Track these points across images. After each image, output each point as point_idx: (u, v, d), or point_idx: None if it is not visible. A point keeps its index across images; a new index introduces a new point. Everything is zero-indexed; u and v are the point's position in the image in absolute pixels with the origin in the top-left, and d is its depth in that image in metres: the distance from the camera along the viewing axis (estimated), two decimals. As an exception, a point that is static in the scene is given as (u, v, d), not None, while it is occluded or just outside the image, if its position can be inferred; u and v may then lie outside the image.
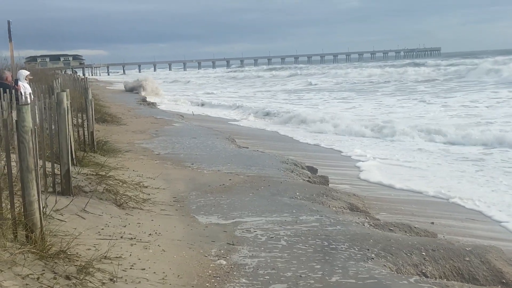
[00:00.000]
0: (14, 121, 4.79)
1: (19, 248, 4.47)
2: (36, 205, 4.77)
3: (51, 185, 6.76)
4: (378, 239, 5.95)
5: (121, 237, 5.62)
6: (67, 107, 6.92)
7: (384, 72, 57.50)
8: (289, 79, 66.22)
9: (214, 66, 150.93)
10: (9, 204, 4.83)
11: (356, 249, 5.63)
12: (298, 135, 18.48)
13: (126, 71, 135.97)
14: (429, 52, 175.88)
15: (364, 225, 6.65)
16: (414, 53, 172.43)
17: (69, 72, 63.27)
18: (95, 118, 16.80)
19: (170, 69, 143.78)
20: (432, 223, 7.93)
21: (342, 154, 14.42)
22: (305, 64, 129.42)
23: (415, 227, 6.94)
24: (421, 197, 9.67)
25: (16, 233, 4.77)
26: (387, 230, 6.61)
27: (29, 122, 4.65)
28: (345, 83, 50.84)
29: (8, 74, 12.30)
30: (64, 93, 6.73)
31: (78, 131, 10.58)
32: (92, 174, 7.84)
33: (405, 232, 6.70)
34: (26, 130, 4.64)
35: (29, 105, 4.75)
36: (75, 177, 7.33)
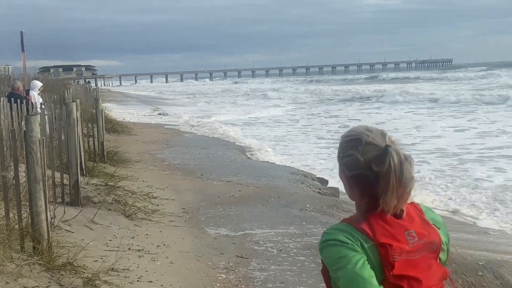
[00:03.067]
0: (22, 131, 4.78)
1: (26, 260, 4.44)
2: (43, 216, 4.74)
3: (60, 195, 6.74)
4: (389, 253, 5.84)
5: (129, 249, 5.57)
6: (77, 117, 6.91)
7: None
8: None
9: (225, 77, 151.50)
10: (17, 214, 4.81)
11: (367, 263, 5.53)
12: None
13: (138, 81, 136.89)
14: (440, 64, 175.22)
15: (375, 238, 6.55)
16: (426, 64, 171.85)
17: (81, 82, 63.74)
18: (106, 128, 16.87)
19: (181, 80, 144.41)
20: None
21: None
22: (316, 75, 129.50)
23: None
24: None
25: (23, 244, 4.75)
26: (398, 244, 6.49)
27: (37, 133, 4.64)
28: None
29: (19, 84, 12.38)
30: (74, 104, 6.73)
31: (88, 141, 10.60)
32: (101, 185, 7.82)
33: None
34: (34, 140, 4.63)
35: (38, 115, 4.73)
36: (84, 188, 7.31)
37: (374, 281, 1.60)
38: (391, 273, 1.63)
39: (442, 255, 1.80)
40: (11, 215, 4.85)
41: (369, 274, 1.60)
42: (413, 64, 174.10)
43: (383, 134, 1.72)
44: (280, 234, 6.54)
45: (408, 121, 24.12)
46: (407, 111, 29.53)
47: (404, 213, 1.71)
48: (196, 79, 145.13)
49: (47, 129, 7.60)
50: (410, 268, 1.65)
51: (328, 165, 13.47)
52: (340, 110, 31.66)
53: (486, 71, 71.81)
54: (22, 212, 4.94)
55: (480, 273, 5.44)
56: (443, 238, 1.79)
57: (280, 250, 5.93)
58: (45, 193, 4.75)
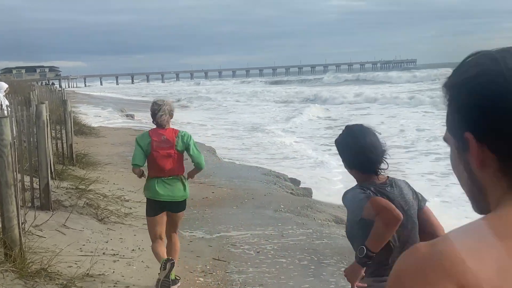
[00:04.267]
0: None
1: (-2, 267, 4.29)
2: (15, 221, 4.59)
3: (30, 199, 6.56)
4: (365, 252, 5.88)
5: (104, 253, 5.46)
6: (47, 119, 6.73)
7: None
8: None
9: (192, 78, 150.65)
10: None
11: (345, 263, 5.54)
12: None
13: (103, 82, 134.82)
14: (405, 64, 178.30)
15: (350, 238, 6.59)
16: (391, 64, 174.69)
17: (46, 82, 62.42)
18: (73, 131, 16.55)
19: (148, 81, 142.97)
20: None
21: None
22: (283, 76, 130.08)
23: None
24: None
25: (-6, 250, 4.59)
26: (373, 243, 6.55)
27: (8, 135, 4.50)
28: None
29: None
30: (43, 105, 6.56)
31: (57, 144, 10.35)
32: (72, 188, 7.65)
33: (392, 244, 6.65)
34: (5, 143, 4.48)
35: (8, 117, 4.58)
36: (54, 191, 7.13)
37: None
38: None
39: (180, 147, 4.76)
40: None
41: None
42: (378, 65, 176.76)
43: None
44: (257, 236, 6.51)
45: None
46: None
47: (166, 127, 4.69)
48: (162, 80, 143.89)
49: (14, 132, 7.39)
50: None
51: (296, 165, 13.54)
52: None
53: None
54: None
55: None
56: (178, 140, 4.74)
57: (258, 252, 5.90)
58: (16, 198, 4.60)
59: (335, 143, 2.76)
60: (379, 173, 2.62)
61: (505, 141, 0.77)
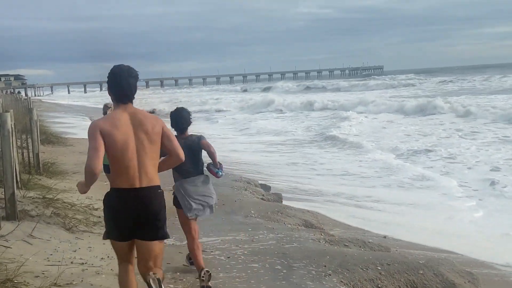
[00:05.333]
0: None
1: (-39, 279, 4.20)
2: (-21, 232, 4.51)
3: (-5, 210, 6.43)
4: (334, 255, 5.96)
5: (72, 262, 5.39)
6: (11, 128, 6.63)
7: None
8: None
9: (162, 85, 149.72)
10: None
11: (314, 266, 5.61)
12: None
13: (70, 91, 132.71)
14: (372, 70, 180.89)
15: (320, 241, 6.65)
16: (359, 71, 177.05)
17: (11, 91, 61.16)
18: (40, 139, 16.27)
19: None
20: (385, 237, 8.03)
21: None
22: (253, 82, 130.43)
23: (369, 242, 7.01)
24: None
25: (-42, 262, 4.50)
26: (342, 246, 6.63)
27: (-28, 144, 4.42)
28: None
29: None
30: (8, 114, 6.45)
31: (23, 153, 10.18)
32: (39, 198, 7.53)
33: (360, 247, 6.74)
34: (-32, 152, 4.40)
35: (-28, 126, 4.50)
36: (20, 201, 7.01)
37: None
38: None
39: None
40: None
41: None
42: (347, 71, 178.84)
43: None
44: (227, 241, 6.52)
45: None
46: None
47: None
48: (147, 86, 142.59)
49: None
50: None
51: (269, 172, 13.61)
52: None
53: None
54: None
55: (421, 272, 5.64)
56: None
57: (228, 257, 5.91)
58: (-19, 208, 4.52)
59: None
60: (184, 132, 5.28)
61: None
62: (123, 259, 3.92)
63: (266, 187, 11.16)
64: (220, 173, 5.35)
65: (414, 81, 70.68)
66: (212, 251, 6.15)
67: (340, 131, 23.14)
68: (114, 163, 3.68)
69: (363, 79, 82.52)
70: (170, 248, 6.33)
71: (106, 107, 7.92)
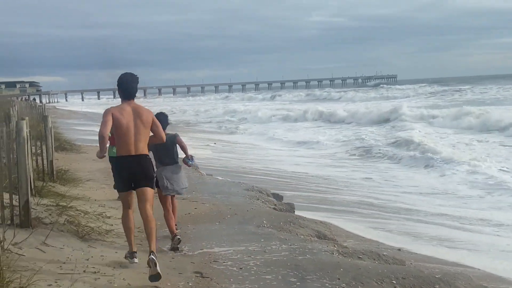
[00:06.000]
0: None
1: (-25, 287, 4.21)
2: (-7, 240, 4.51)
3: (9, 217, 6.45)
4: (348, 268, 5.89)
5: (84, 271, 5.38)
6: (27, 135, 6.66)
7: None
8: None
9: (174, 93, 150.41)
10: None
11: (327, 279, 5.55)
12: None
13: (84, 98, 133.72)
14: (386, 79, 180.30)
15: (333, 253, 6.58)
16: (372, 80, 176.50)
17: (26, 98, 61.75)
18: (54, 146, 16.38)
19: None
20: (399, 249, 7.94)
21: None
22: (265, 90, 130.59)
23: (384, 255, 6.92)
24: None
25: (-29, 270, 4.50)
26: (356, 258, 6.56)
27: (-13, 152, 4.44)
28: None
29: None
30: (24, 121, 6.49)
31: (37, 160, 10.23)
32: (52, 205, 7.55)
33: (374, 260, 6.66)
34: (-16, 160, 4.42)
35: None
36: (34, 209, 7.03)
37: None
38: None
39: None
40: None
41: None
42: (360, 80, 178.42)
43: None
44: (240, 252, 6.48)
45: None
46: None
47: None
48: (144, 95, 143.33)
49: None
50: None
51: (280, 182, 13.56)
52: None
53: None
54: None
55: (437, 286, 5.55)
56: None
57: (241, 268, 5.87)
58: (-5, 216, 4.53)
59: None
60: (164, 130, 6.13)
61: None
62: (125, 205, 5.78)
63: (278, 197, 11.11)
64: (190, 162, 7.10)
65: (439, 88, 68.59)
66: (224, 262, 6.11)
67: (414, 144, 21.10)
68: (119, 138, 5.53)
69: (380, 87, 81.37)
70: (182, 258, 6.31)
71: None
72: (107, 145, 5.67)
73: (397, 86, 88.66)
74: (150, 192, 5.68)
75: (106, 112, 5.52)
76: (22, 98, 65.66)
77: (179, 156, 7.07)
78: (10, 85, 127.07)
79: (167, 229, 6.96)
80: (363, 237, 8.65)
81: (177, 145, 6.99)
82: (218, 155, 19.89)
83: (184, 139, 7.23)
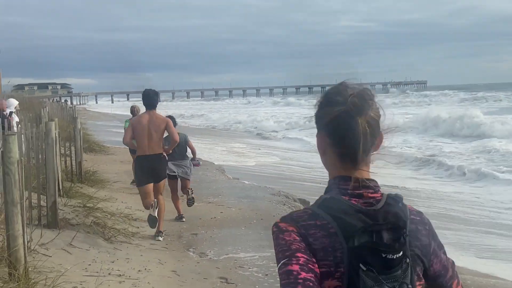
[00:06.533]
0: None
1: (1, 287, 4.21)
2: (20, 240, 4.53)
3: (37, 217, 6.49)
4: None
5: (109, 274, 5.36)
6: (56, 136, 6.70)
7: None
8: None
9: (202, 96, 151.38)
10: (-8, 239, 4.59)
11: (355, 288, 5.41)
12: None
13: (114, 100, 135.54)
14: (415, 85, 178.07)
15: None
16: (401, 86, 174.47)
17: (57, 99, 62.80)
18: (83, 148, 16.55)
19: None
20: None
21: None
22: (294, 95, 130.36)
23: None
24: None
25: (-2, 269, 4.52)
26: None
27: (15, 153, 4.45)
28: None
29: (3, 102, 12.23)
30: (53, 123, 6.54)
31: (66, 161, 10.33)
32: (80, 206, 7.58)
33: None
34: (12, 161, 4.44)
35: (16, 135, 4.54)
36: (61, 209, 7.07)
37: None
38: None
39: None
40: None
41: None
42: (389, 86, 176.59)
43: None
44: (265, 258, 6.38)
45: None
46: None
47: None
48: (173, 97, 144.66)
49: (23, 149, 7.36)
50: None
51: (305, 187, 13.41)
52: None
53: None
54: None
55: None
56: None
57: (266, 274, 5.77)
58: (22, 217, 4.54)
59: None
60: None
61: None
62: (145, 197, 7.08)
63: (305, 202, 10.98)
64: (200, 162, 9.16)
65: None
66: (249, 267, 6.03)
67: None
68: (137, 142, 7.08)
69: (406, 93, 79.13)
70: (206, 262, 6.25)
71: (133, 107, 11.22)
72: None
73: (427, 92, 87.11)
74: (162, 184, 7.22)
75: (129, 122, 7.50)
76: (53, 99, 66.82)
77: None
78: (42, 86, 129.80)
79: (192, 232, 7.20)
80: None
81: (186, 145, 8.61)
82: (285, 162, 18.99)
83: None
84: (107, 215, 7.53)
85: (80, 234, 6.45)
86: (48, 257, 5.37)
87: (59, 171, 8.08)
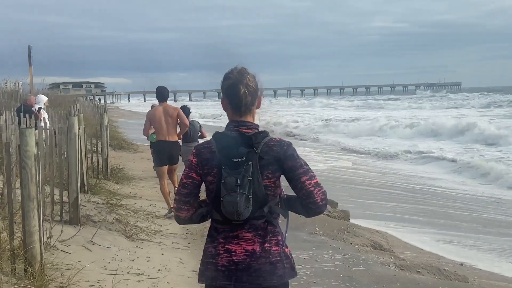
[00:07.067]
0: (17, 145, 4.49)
1: (15, 284, 4.11)
2: (36, 237, 4.43)
3: (59, 213, 6.43)
4: (405, 283, 5.48)
5: (128, 272, 5.23)
6: (78, 132, 6.62)
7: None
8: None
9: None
10: (8, 234, 4.50)
11: (383, 294, 5.15)
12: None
13: (146, 99, 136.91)
14: (449, 87, 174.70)
15: (389, 266, 6.16)
16: (435, 87, 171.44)
17: (90, 98, 63.72)
18: (112, 145, 16.61)
19: (190, 98, 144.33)
20: (461, 264, 7.40)
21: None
22: (324, 96, 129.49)
23: (445, 270, 6.43)
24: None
25: (14, 265, 4.43)
26: (414, 273, 6.11)
27: (32, 147, 4.35)
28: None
29: (31, 98, 12.37)
30: (76, 118, 6.45)
31: (92, 157, 10.31)
32: (103, 203, 7.51)
33: (434, 274, 6.19)
34: (29, 155, 4.33)
35: (33, 128, 4.44)
36: (84, 206, 7.00)
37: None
38: None
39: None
40: (3, 234, 4.54)
41: None
42: (422, 87, 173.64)
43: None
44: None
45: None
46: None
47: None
48: (204, 97, 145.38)
49: (45, 144, 7.32)
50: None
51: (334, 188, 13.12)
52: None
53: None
54: (16, 231, 4.64)
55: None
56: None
57: (290, 277, 5.55)
58: (39, 212, 4.43)
59: None
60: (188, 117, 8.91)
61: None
62: (162, 177, 8.27)
63: (333, 203, 10.70)
64: None
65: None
66: (273, 269, 5.81)
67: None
68: (156, 129, 8.25)
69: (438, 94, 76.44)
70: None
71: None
72: (151, 132, 8.48)
73: (465, 94, 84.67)
74: (175, 166, 8.56)
75: (147, 114, 8.54)
76: (87, 98, 67.84)
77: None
78: (77, 85, 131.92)
79: None
80: (422, 249, 8.13)
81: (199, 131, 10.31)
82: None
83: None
84: (130, 212, 7.43)
85: (102, 231, 6.35)
86: (67, 254, 5.28)
87: (83, 167, 8.04)
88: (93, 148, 10.81)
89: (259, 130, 2.45)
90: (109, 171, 10.39)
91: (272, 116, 42.02)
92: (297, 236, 7.34)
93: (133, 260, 5.69)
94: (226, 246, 2.45)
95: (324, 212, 9.35)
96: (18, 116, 10.67)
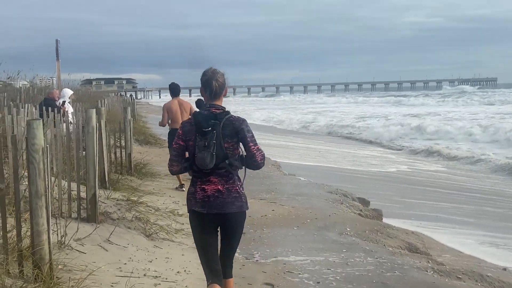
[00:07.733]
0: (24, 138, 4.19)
1: (20, 286, 3.81)
2: (45, 236, 4.12)
3: (76, 210, 6.14)
4: (445, 291, 5.00)
5: (145, 275, 4.90)
6: (96, 125, 6.32)
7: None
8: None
9: (264, 92, 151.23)
10: (16, 233, 4.20)
11: (420, 303, 4.69)
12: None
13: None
14: (484, 83, 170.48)
15: (427, 271, 5.68)
16: (469, 83, 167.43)
17: (121, 94, 64.14)
18: (138, 140, 16.40)
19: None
20: (505, 269, 6.85)
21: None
22: (355, 92, 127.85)
23: (487, 276, 5.91)
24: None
25: (22, 267, 4.14)
26: (454, 279, 5.62)
27: (40, 140, 4.03)
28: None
29: (55, 91, 12.25)
30: (93, 110, 6.15)
31: (115, 152, 10.05)
32: (123, 200, 7.20)
33: (476, 281, 5.69)
34: (36, 148, 4.02)
35: (41, 120, 4.13)
36: (103, 202, 6.70)
37: None
38: None
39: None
40: (10, 234, 4.25)
41: None
42: (456, 83, 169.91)
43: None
44: (318, 263, 5.75)
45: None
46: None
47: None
48: (234, 93, 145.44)
49: (62, 138, 7.05)
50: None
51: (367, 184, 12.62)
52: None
53: None
54: (25, 231, 4.35)
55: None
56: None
57: (318, 282, 5.14)
58: (47, 210, 4.12)
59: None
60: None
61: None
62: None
63: (365, 202, 10.22)
64: None
65: None
66: (299, 273, 5.41)
67: None
68: (172, 119, 9.58)
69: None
70: (252, 265, 5.69)
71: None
72: (169, 121, 9.69)
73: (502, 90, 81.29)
74: None
75: (164, 106, 9.82)
76: (118, 93, 68.39)
77: None
78: (109, 81, 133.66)
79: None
80: (461, 252, 7.60)
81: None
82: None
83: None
84: (150, 210, 7.11)
85: (120, 229, 6.03)
86: (82, 253, 4.98)
87: (104, 162, 7.76)
88: (117, 143, 10.54)
89: (224, 111, 3.60)
90: (132, 166, 10.12)
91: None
92: (326, 236, 6.91)
93: (151, 261, 5.36)
94: (202, 186, 3.60)
95: (355, 211, 8.92)
96: (41, 110, 10.49)
